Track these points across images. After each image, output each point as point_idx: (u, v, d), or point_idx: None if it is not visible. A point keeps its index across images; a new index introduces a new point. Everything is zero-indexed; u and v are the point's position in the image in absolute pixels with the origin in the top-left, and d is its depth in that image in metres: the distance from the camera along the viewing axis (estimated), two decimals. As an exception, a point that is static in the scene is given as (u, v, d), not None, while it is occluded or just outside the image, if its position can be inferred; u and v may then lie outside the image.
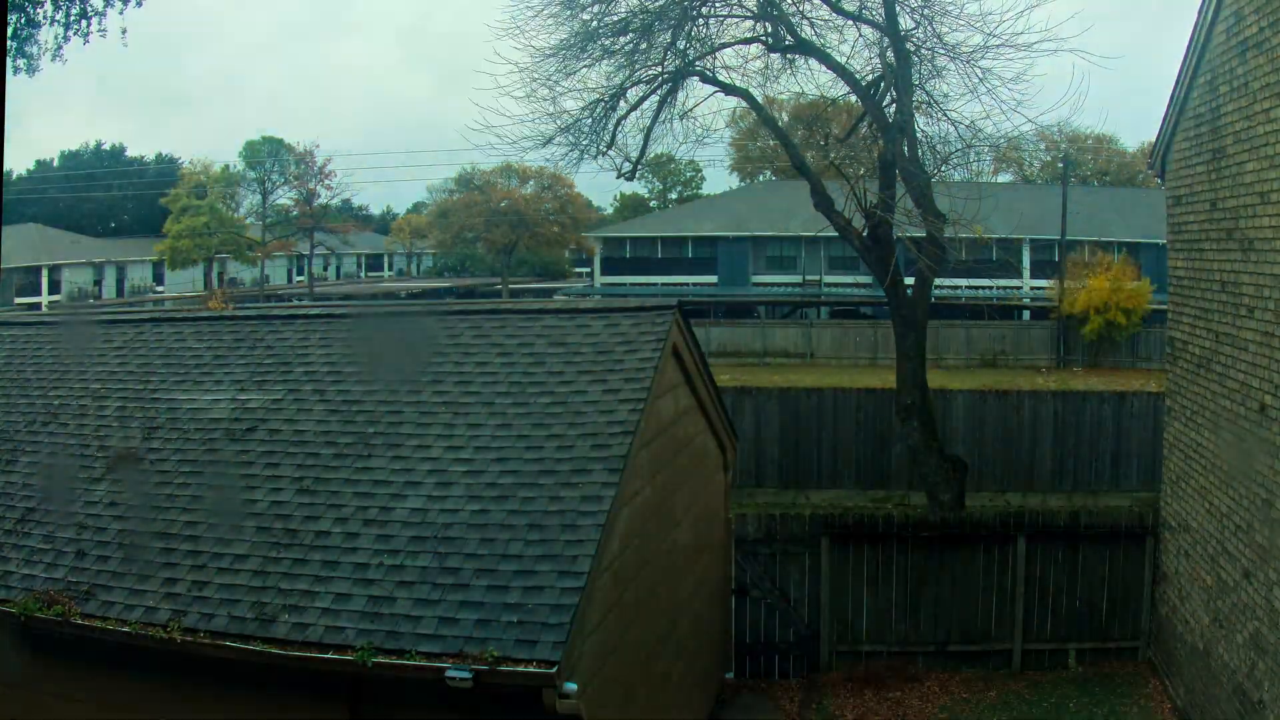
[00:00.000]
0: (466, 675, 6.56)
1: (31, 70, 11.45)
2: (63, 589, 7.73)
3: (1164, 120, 12.75)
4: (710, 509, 12.32)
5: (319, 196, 61.29)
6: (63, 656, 7.69)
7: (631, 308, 10.06)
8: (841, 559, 13.59)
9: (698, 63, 15.43)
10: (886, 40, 14.56)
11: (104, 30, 11.76)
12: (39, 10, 11.13)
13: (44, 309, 47.75)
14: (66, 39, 11.61)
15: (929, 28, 14.40)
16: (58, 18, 11.36)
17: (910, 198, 14.75)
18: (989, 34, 13.95)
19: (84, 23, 11.53)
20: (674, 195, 77.55)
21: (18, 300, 53.27)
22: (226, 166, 60.97)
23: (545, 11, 14.77)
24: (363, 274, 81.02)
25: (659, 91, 15.53)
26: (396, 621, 7.02)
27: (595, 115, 15.41)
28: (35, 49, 11.31)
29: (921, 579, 13.61)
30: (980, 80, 14.06)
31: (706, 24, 15.34)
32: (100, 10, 11.41)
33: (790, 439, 21.57)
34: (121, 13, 11.78)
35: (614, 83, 15.28)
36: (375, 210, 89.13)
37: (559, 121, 15.31)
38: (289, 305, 38.97)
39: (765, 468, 21.46)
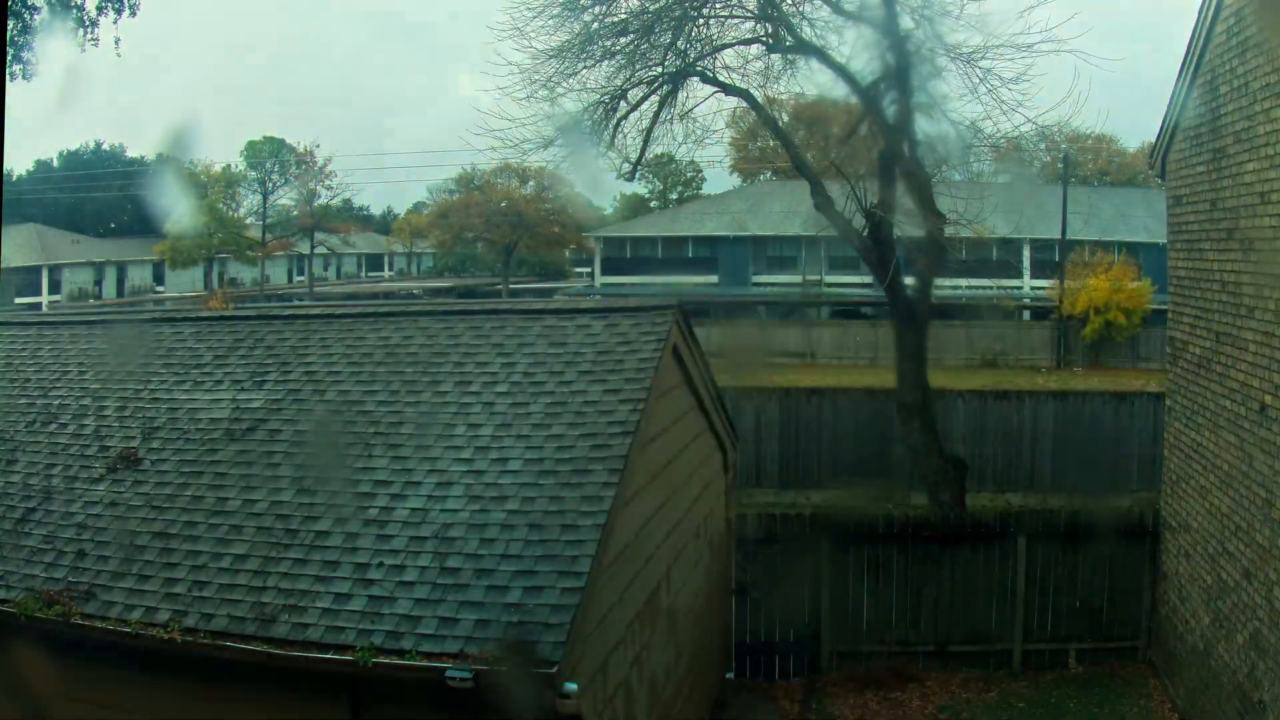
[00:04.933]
0: (467, 675, 6.56)
1: (28, 75, 11.52)
2: (63, 589, 7.73)
3: (1164, 120, 12.75)
4: (711, 509, 12.32)
5: (319, 196, 61.35)
6: (62, 656, 7.68)
7: (631, 308, 10.05)
8: (841, 559, 13.59)
9: (698, 63, 15.44)
10: (887, 41, 14.57)
11: (96, 39, 11.85)
12: (35, 17, 11.19)
13: (44, 309, 47.76)
14: (84, 41, 11.68)
15: (929, 28, 14.43)
16: (53, 25, 11.43)
17: (910, 198, 14.75)
18: (989, 34, 13.98)
19: (80, 32, 11.60)
20: (674, 195, 77.46)
21: (18, 300, 53.23)
22: (227, 166, 61.02)
23: (546, 13, 14.79)
24: (363, 274, 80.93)
25: (659, 92, 15.54)
26: (397, 621, 7.02)
27: (595, 117, 15.42)
28: (31, 55, 11.38)
29: (922, 579, 13.61)
30: (980, 80, 14.09)
31: (707, 25, 15.35)
32: (94, 20, 11.49)
33: (790, 439, 21.55)
34: (115, 22, 11.86)
35: (614, 84, 15.29)
36: (375, 210, 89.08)
37: (560, 123, 15.33)
38: (289, 305, 39.00)
39: (765, 468, 21.43)
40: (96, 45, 11.94)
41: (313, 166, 59.68)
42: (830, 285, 48.08)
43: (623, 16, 14.97)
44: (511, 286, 61.40)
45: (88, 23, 11.82)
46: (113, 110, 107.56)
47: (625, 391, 8.73)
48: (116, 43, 13.13)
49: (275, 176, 60.43)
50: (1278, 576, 9.37)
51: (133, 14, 12.06)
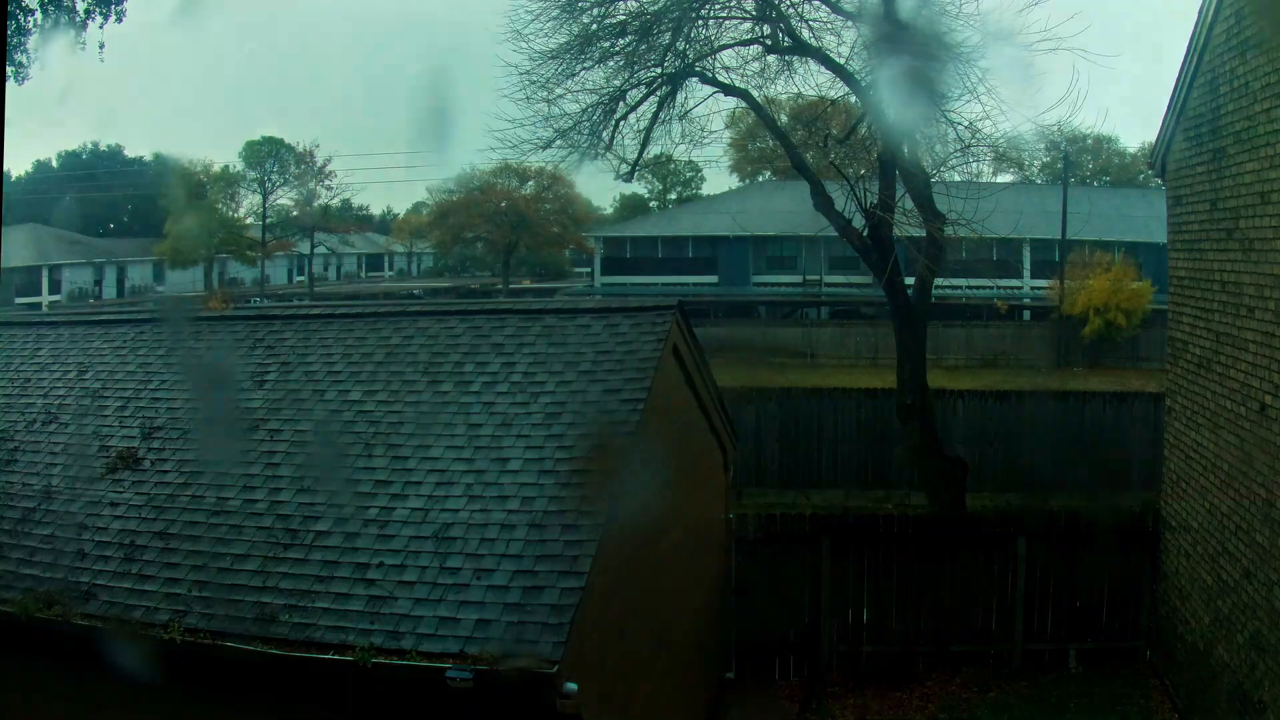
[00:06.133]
0: (467, 675, 6.56)
1: (20, 78, 11.54)
2: (63, 589, 7.73)
3: (1164, 120, 12.74)
4: (710, 509, 12.32)
5: (319, 196, 61.36)
6: (63, 657, 7.68)
7: (632, 308, 10.06)
8: (841, 559, 13.58)
9: (697, 64, 15.44)
10: (886, 41, 14.55)
11: (83, 43, 11.86)
12: (29, 19, 11.20)
13: (44, 309, 47.74)
14: (77, 43, 11.69)
15: (929, 28, 14.40)
16: (47, 27, 11.45)
17: (910, 198, 14.75)
18: (988, 33, 13.96)
19: (75, 34, 11.62)
20: (674, 196, 77.48)
21: (18, 300, 53.24)
22: (226, 166, 61.02)
23: (545, 15, 14.79)
24: (363, 274, 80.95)
25: (658, 93, 15.54)
26: (397, 621, 7.02)
27: (594, 118, 15.42)
28: (25, 58, 11.39)
29: (922, 579, 13.60)
30: (980, 80, 14.09)
31: (705, 25, 15.35)
32: (81, 24, 11.50)
33: (790, 439, 21.56)
34: (102, 26, 11.86)
35: (613, 84, 15.29)
36: (376, 210, 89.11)
37: (558, 124, 15.33)
38: (289, 305, 39.05)
39: (765, 468, 21.42)
40: (84, 49, 11.97)
41: (313, 166, 59.73)
42: (830, 285, 48.09)
43: (621, 18, 14.97)
44: (511, 286, 61.40)
45: (79, 25, 11.83)
46: (110, 112, 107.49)
47: (625, 391, 8.74)
48: (101, 47, 13.05)
49: (275, 176, 60.45)
50: (1278, 576, 9.37)
51: (119, 20, 12.05)
